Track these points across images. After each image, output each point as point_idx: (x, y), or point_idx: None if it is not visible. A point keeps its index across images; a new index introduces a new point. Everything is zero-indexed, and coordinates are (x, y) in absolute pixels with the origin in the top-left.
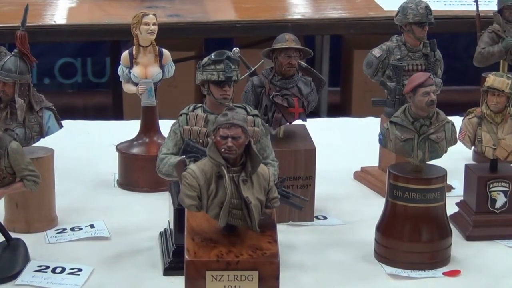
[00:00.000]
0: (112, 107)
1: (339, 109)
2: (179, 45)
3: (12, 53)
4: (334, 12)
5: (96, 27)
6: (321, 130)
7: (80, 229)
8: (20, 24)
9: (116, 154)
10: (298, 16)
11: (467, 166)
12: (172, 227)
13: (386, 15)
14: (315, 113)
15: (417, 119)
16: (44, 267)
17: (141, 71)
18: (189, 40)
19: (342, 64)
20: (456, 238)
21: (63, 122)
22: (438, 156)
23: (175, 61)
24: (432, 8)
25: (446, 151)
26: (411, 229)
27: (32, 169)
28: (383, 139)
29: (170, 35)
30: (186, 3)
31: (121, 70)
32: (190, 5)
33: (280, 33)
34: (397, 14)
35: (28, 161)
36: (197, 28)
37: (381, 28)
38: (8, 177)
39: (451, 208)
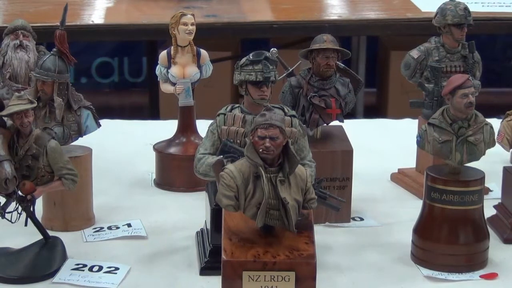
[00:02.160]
0: (149, 107)
1: (375, 110)
2: (215, 45)
3: (51, 52)
4: (371, 13)
5: (133, 27)
6: (358, 131)
7: (117, 228)
8: (59, 23)
9: (153, 154)
10: (334, 17)
11: (505, 168)
12: (208, 227)
13: (423, 16)
14: (351, 114)
15: (455, 121)
16: (81, 266)
17: (179, 71)
18: (226, 41)
19: (379, 65)
20: (494, 241)
21: (101, 121)
22: (476, 158)
23: (211, 61)
24: (471, 9)
25: (484, 153)
26: (448, 232)
27: (70, 168)
28: (421, 141)
29: (206, 35)
30: (223, 4)
31: (159, 70)
32: (227, 5)
33: (316, 34)
34: (435, 16)
35: (67, 160)
36: (234, 29)
37: (418, 29)
38: (46, 176)
39: (489, 210)
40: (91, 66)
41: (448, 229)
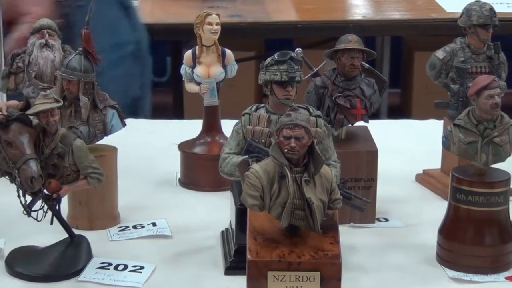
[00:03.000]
0: (173, 106)
1: (399, 111)
2: (239, 45)
3: (77, 51)
4: (395, 13)
5: (157, 27)
6: (382, 131)
7: (142, 227)
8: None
9: (178, 153)
10: (359, 17)
11: None
12: (233, 226)
13: (447, 17)
14: (375, 115)
15: (481, 122)
16: (106, 264)
17: (204, 71)
18: (250, 41)
19: (403, 65)
20: None
21: (126, 121)
22: (502, 159)
23: (235, 61)
24: (496, 10)
25: (510, 155)
26: (473, 233)
27: (96, 166)
28: (447, 142)
29: (231, 35)
30: (247, 4)
31: (184, 69)
32: (251, 5)
33: (340, 34)
34: (461, 16)
35: (92, 159)
36: (258, 29)
37: (442, 29)
38: (72, 175)
39: None
40: None
41: (474, 230)
